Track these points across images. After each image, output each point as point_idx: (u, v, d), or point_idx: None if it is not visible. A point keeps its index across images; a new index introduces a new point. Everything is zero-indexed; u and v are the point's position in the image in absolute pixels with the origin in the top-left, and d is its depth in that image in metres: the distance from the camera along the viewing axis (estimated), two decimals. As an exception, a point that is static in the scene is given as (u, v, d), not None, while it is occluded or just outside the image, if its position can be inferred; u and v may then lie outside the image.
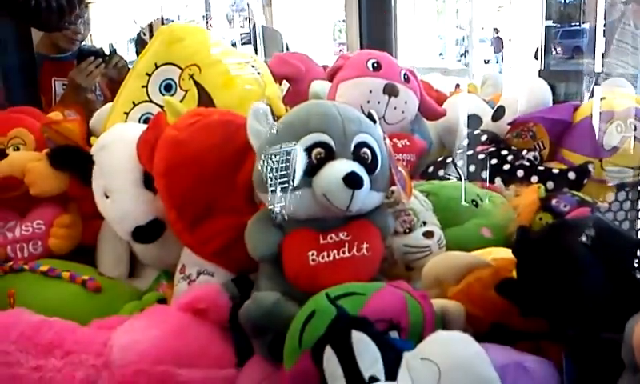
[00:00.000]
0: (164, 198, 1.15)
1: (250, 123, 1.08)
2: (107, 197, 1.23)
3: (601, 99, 1.46)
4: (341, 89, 1.57)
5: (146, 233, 1.21)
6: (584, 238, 0.86)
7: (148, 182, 1.20)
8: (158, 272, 1.29)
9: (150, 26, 3.18)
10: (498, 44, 12.32)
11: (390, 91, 1.52)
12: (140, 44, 3.16)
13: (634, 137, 1.40)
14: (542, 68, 3.06)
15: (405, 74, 1.59)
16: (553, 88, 2.09)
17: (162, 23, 2.80)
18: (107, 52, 2.32)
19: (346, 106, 1.12)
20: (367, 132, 1.06)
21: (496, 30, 12.52)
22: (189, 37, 1.55)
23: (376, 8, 3.36)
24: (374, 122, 1.13)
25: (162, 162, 1.14)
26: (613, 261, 0.84)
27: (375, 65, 1.56)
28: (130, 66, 2.32)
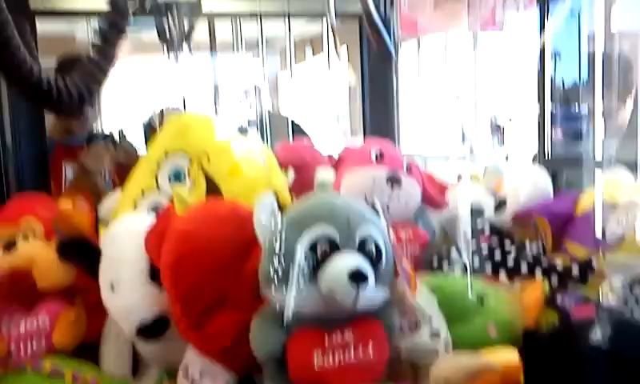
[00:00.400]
0: (170, 291, 1.15)
1: (257, 217, 1.09)
2: (113, 289, 1.24)
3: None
4: (345, 179, 1.60)
5: (150, 329, 1.20)
6: (598, 339, 0.85)
7: (154, 275, 1.20)
8: (161, 371, 1.26)
9: (161, 112, 3.26)
10: (497, 129, 12.60)
11: (393, 181, 1.55)
12: (150, 131, 3.24)
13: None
14: (544, 153, 3.08)
15: (408, 165, 1.62)
16: (555, 174, 2.12)
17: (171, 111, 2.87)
18: (117, 136, 2.38)
19: (350, 198, 1.14)
20: (372, 225, 1.07)
21: (495, 117, 12.81)
22: (198, 126, 1.60)
23: (379, 95, 3.45)
24: (378, 213, 1.15)
25: (169, 254, 1.15)
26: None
27: (378, 155, 1.59)
28: (138, 152, 2.39)
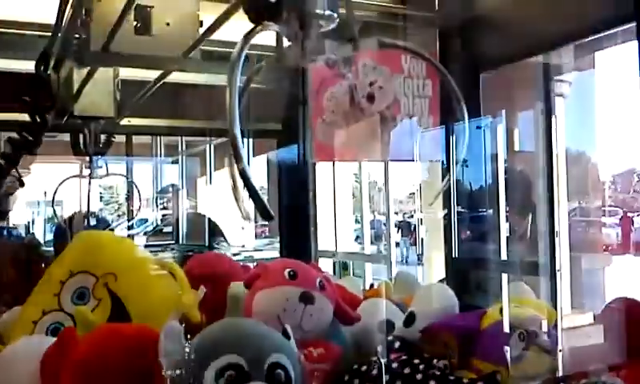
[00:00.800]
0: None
1: (162, 344, 1.07)
2: (3, 420, 1.15)
3: (501, 309, 1.56)
4: (258, 297, 1.59)
5: None
6: None
7: (51, 402, 1.13)
8: None
9: (71, 218, 3.18)
10: (407, 228, 13.13)
11: (306, 299, 1.56)
12: (60, 235, 3.14)
13: (536, 343, 1.48)
14: (452, 255, 3.22)
15: (320, 281, 1.64)
16: (465, 274, 2.21)
17: (85, 218, 2.80)
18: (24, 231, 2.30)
19: (258, 324, 1.15)
20: (281, 351, 1.08)
21: (404, 215, 13.36)
22: (108, 245, 1.57)
23: (295, 195, 3.56)
24: (289, 338, 1.16)
25: (69, 381, 1.09)
26: None
27: (292, 274, 1.62)
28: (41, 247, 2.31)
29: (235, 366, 1.01)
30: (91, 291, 1.48)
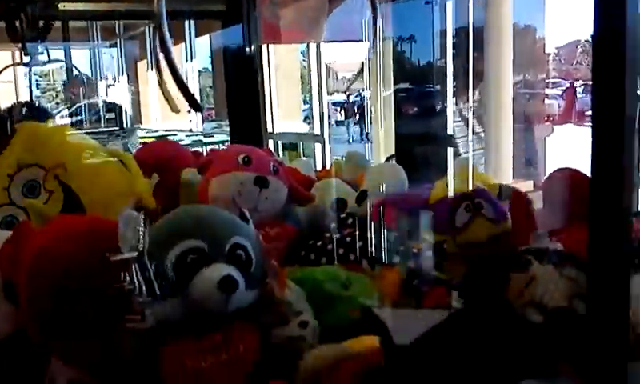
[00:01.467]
0: (28, 309, 1.10)
1: (121, 231, 1.08)
2: (-35, 311, 1.16)
3: (447, 185, 1.63)
4: (213, 183, 1.61)
5: (8, 347, 1.15)
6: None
7: (10, 293, 1.15)
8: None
9: (10, 109, 3.05)
10: (351, 109, 13.18)
11: (261, 183, 1.59)
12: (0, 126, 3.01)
13: (482, 214, 1.56)
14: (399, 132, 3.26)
15: (274, 165, 1.67)
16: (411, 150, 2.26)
17: (24, 107, 2.69)
18: None
19: (216, 209, 1.17)
20: (240, 233, 1.11)
21: (348, 95, 13.36)
22: (53, 136, 1.53)
23: (242, 78, 3.49)
24: (247, 221, 1.19)
25: (26, 273, 1.10)
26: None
27: (245, 159, 1.63)
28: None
29: (197, 249, 1.04)
30: (42, 184, 1.46)
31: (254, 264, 1.10)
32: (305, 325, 1.21)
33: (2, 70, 2.58)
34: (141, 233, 1.08)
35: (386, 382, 0.96)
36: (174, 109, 1.16)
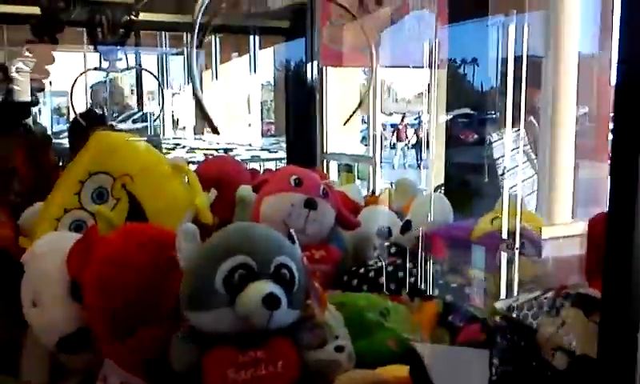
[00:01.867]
0: (92, 311, 1.21)
1: (179, 243, 1.18)
2: (35, 306, 1.28)
3: (493, 219, 1.66)
4: (265, 202, 1.70)
5: (70, 343, 1.25)
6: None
7: (76, 292, 1.25)
8: (81, 379, 1.32)
9: (87, 112, 3.25)
10: (404, 132, 12.99)
11: (310, 205, 1.67)
12: (75, 130, 3.21)
13: (522, 253, 1.59)
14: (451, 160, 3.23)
15: (323, 189, 1.74)
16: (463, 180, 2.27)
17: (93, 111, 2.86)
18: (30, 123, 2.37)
19: (267, 229, 1.25)
20: (286, 253, 1.18)
21: (402, 118, 13.19)
22: (123, 147, 1.65)
23: (301, 95, 3.57)
24: (294, 242, 1.26)
25: (94, 276, 1.21)
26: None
27: (297, 181, 1.71)
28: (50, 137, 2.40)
29: (245, 265, 1.12)
30: (109, 191, 1.58)
31: (297, 284, 1.17)
32: (341, 349, 1.26)
33: (81, 74, 2.75)
34: (196, 245, 1.17)
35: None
36: (214, 130, 1.24)
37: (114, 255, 1.20)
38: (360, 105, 2.64)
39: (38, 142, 2.27)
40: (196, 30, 1.10)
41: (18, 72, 2.57)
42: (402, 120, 13.06)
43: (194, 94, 1.08)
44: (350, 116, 2.67)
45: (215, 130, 1.06)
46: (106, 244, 1.24)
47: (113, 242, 1.24)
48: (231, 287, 1.10)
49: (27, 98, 2.61)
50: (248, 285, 1.11)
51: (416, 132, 12.22)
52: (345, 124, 2.77)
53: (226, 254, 1.13)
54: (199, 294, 1.12)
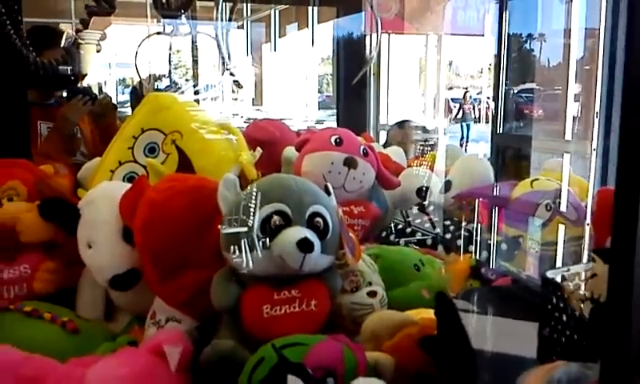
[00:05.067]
0: (140, 252, 1.30)
1: (221, 191, 1.25)
2: (90, 247, 1.38)
3: (533, 181, 1.66)
4: (306, 159, 1.76)
5: (122, 281, 1.36)
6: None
7: (127, 235, 1.35)
8: (131, 317, 1.42)
9: (149, 78, 3.38)
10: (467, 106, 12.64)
11: (350, 164, 1.72)
12: (137, 94, 3.36)
13: (561, 214, 1.59)
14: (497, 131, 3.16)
15: (364, 149, 1.79)
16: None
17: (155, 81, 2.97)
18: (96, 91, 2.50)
19: (303, 180, 1.31)
20: (321, 203, 1.24)
21: (465, 92, 12.85)
22: (173, 106, 1.74)
23: (354, 66, 3.56)
24: (329, 194, 1.32)
25: (141, 220, 1.30)
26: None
27: (337, 140, 1.76)
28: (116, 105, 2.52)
29: (281, 212, 1.19)
30: (161, 146, 1.68)
31: (331, 232, 1.22)
32: (374, 294, 1.32)
33: (144, 39, 2.83)
34: (236, 194, 1.25)
35: (438, 347, 1.05)
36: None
37: (157, 200, 1.29)
38: (368, 63, 2.63)
39: (102, 108, 2.39)
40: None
41: (83, 42, 2.70)
42: (465, 95, 12.73)
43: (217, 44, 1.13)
44: (359, 75, 2.69)
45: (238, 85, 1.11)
46: (152, 191, 1.32)
47: (158, 189, 1.33)
48: (268, 232, 1.17)
49: (91, 68, 2.73)
50: (284, 230, 1.17)
51: (477, 107, 11.92)
52: (353, 83, 2.79)
53: (263, 201, 1.20)
54: (238, 237, 1.19)
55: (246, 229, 1.19)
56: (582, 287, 1.11)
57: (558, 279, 1.26)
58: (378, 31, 2.77)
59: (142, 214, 1.30)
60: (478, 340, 1.02)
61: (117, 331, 1.40)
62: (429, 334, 1.09)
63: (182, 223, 1.27)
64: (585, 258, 1.56)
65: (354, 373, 1.03)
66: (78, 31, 2.22)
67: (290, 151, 1.96)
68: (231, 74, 2.76)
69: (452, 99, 12.71)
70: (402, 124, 2.88)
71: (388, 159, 2.01)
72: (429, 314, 1.18)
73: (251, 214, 1.20)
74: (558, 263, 1.53)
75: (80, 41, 2.65)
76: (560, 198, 1.60)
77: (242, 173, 1.69)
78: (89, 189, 1.60)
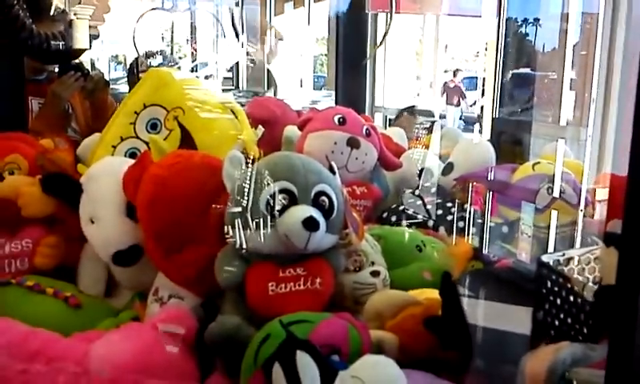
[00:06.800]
0: (144, 228, 1.30)
1: (226, 168, 1.25)
2: (92, 222, 1.38)
3: (534, 165, 1.67)
4: (309, 139, 1.75)
5: (125, 257, 1.35)
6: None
7: (130, 211, 1.34)
8: (133, 293, 1.42)
9: (146, 55, 3.35)
10: (452, 90, 12.50)
11: (353, 144, 1.72)
12: (134, 71, 3.33)
13: (562, 199, 1.60)
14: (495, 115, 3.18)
15: (367, 129, 1.78)
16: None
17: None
18: (88, 67, 2.47)
19: (309, 159, 1.30)
20: (326, 182, 1.24)
21: (454, 74, 12.72)
22: (175, 82, 1.73)
23: (351, 47, 3.54)
24: (334, 173, 1.32)
25: (145, 196, 1.29)
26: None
27: (341, 120, 1.75)
28: (107, 80, 2.50)
29: (287, 191, 1.18)
30: (163, 122, 1.67)
31: (335, 212, 1.22)
32: (377, 274, 1.33)
33: (142, 15, 2.80)
34: (241, 171, 1.24)
35: (442, 327, 1.06)
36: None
37: (162, 176, 1.28)
38: (378, 46, 2.63)
39: (94, 84, 2.36)
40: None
41: (76, 17, 2.66)
42: (455, 75, 12.56)
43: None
44: (367, 58, 2.68)
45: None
46: (157, 167, 1.32)
47: (162, 165, 1.32)
48: (273, 210, 1.17)
49: (85, 44, 2.70)
50: (289, 208, 1.17)
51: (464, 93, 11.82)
52: (363, 63, 2.77)
53: (270, 178, 1.20)
54: (244, 215, 1.19)
55: (251, 206, 1.18)
56: (586, 271, 1.12)
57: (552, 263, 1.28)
58: (392, 9, 2.75)
59: (146, 190, 1.29)
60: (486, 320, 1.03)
61: (119, 307, 1.40)
62: (433, 314, 1.10)
63: (187, 200, 1.27)
64: (578, 244, 1.57)
65: (360, 351, 1.04)
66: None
67: (291, 130, 1.95)
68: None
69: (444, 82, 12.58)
70: (410, 110, 2.87)
71: (389, 140, 2.01)
72: (433, 294, 1.19)
73: (257, 191, 1.19)
74: (558, 246, 1.54)
75: (72, 17, 2.61)
76: (562, 182, 1.61)
77: (244, 151, 1.68)
78: (89, 164, 1.59)
